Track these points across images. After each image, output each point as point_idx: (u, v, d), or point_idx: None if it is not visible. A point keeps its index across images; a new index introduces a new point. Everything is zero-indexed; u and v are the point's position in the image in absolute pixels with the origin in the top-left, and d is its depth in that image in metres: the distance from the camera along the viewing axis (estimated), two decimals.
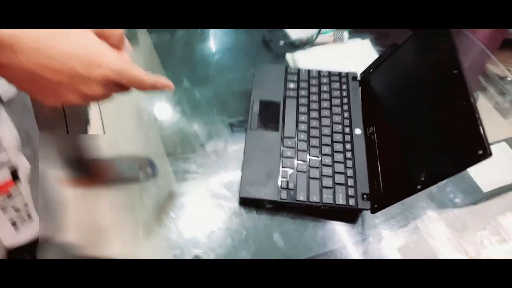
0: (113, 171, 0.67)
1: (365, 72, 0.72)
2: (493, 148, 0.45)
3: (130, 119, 0.69)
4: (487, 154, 0.44)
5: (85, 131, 1.04)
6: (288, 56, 0.82)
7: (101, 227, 0.59)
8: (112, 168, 0.68)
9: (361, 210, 0.57)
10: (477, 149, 0.44)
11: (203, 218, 0.58)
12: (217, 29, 0.86)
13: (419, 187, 0.51)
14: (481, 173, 0.65)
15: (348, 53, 0.85)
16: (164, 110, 0.70)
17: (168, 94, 0.71)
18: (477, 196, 0.64)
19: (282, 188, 0.58)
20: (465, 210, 0.62)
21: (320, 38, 0.86)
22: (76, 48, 0.34)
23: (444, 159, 0.49)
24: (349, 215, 0.60)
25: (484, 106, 0.84)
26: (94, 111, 0.69)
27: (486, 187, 0.64)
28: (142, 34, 0.83)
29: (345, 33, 0.86)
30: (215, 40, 0.84)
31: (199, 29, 0.86)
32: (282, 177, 0.59)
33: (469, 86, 0.49)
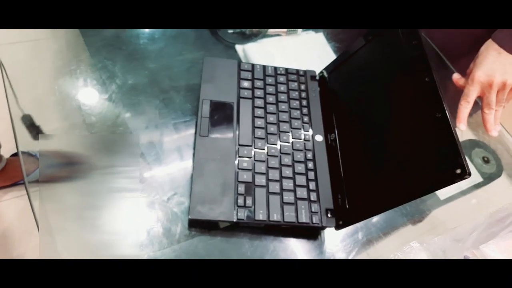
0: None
1: (324, 72, 0.66)
2: None
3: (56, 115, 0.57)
4: (465, 173, 0.41)
5: None
6: (239, 48, 0.74)
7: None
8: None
9: (325, 227, 0.53)
10: (454, 168, 0.41)
11: (145, 243, 0.49)
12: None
13: (388, 205, 0.47)
14: None
15: (301, 46, 0.79)
16: (95, 109, 0.58)
17: (101, 88, 0.59)
18: (435, 204, 0.63)
19: (238, 206, 0.50)
20: (427, 218, 0.61)
21: (272, 29, 0.79)
22: None
23: (417, 176, 0.45)
24: (311, 231, 0.55)
25: None
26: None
27: (443, 195, 0.63)
28: None
29: None
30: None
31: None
32: (238, 193, 0.51)
33: (443, 97, 0.46)
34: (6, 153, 1.07)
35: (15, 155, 1.09)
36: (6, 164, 1.04)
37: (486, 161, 0.68)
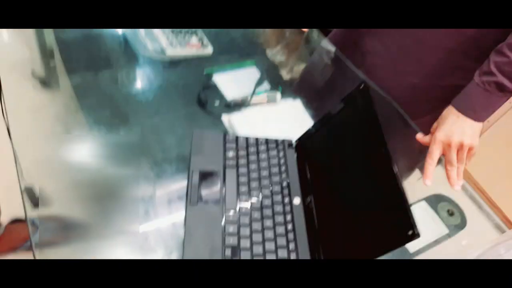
0: None
1: (300, 140, 0.75)
2: (414, 207, 0.48)
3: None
4: (415, 235, 0.47)
5: None
6: (225, 118, 0.83)
7: None
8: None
9: None
10: (406, 229, 0.48)
11: None
12: (150, 88, 0.84)
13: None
14: None
15: (281, 114, 0.88)
16: (92, 172, 0.65)
17: (96, 154, 0.67)
18: (404, 257, 0.69)
19: None
20: None
21: (254, 99, 0.88)
22: None
23: (374, 237, 0.52)
24: None
25: None
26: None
27: (412, 248, 0.69)
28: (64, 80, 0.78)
29: (278, 94, 0.90)
30: (147, 100, 0.81)
31: (129, 89, 0.83)
32: (225, 256, 0.57)
33: (395, 166, 0.54)
34: (4, 219, 1.11)
35: (13, 222, 1.13)
36: (4, 231, 1.08)
37: (451, 214, 0.75)
